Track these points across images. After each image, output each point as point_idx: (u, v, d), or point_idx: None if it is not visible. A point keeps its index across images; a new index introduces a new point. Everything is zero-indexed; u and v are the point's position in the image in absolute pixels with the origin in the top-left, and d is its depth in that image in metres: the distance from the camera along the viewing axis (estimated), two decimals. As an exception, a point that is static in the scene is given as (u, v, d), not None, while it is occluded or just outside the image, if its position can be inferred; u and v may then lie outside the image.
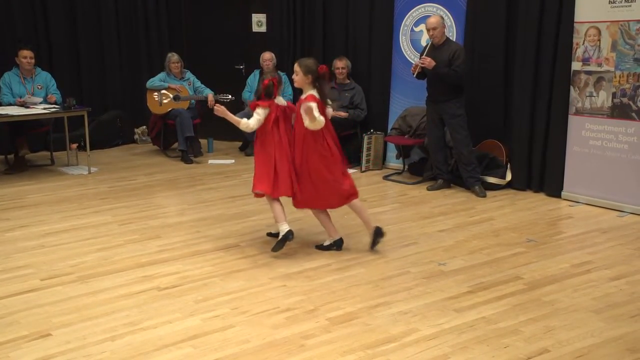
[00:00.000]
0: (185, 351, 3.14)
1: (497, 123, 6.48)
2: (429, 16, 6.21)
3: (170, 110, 7.69)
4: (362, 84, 7.45)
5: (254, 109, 4.43)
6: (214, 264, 4.31)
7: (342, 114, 7.18)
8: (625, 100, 5.44)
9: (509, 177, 6.26)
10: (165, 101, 7.75)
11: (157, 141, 8.20)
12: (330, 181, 4.38)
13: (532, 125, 6.12)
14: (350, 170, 7.03)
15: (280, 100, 4.46)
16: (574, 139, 5.80)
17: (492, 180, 6.24)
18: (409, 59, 6.97)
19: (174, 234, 4.96)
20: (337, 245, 4.57)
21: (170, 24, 9.04)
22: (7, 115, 6.49)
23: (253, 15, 8.63)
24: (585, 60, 5.66)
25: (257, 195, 4.55)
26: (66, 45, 8.31)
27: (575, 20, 5.68)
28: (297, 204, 4.52)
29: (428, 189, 6.30)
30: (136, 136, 8.85)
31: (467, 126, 6.06)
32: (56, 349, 3.16)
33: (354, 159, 7.28)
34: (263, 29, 8.63)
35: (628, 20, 5.35)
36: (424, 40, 6.60)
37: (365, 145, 7.11)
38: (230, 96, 7.53)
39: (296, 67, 4.37)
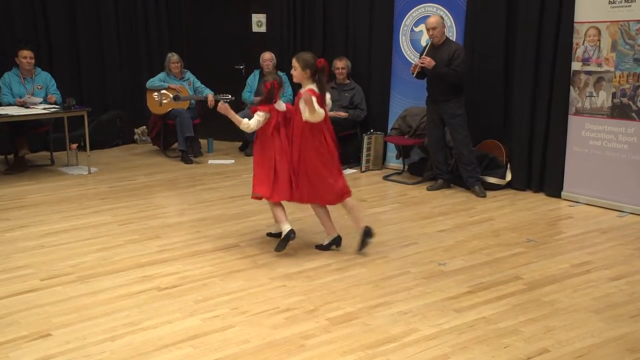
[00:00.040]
0: (185, 351, 3.14)
1: (497, 123, 6.48)
2: (428, 16, 6.21)
3: (170, 111, 7.69)
4: (362, 84, 7.45)
5: (254, 112, 4.45)
6: (214, 264, 4.31)
7: (342, 114, 7.18)
8: (625, 100, 5.44)
9: (508, 177, 6.26)
10: (165, 101, 7.75)
11: (157, 141, 8.20)
12: (326, 177, 4.37)
13: (532, 125, 6.12)
14: (350, 170, 7.15)
15: (281, 105, 4.46)
16: (574, 139, 5.80)
17: (492, 180, 6.24)
18: (408, 59, 6.97)
19: (174, 234, 4.96)
20: (336, 242, 4.56)
21: (170, 24, 9.04)
22: (7, 116, 6.49)
23: (253, 15, 8.63)
24: (585, 61, 5.66)
25: (256, 197, 4.55)
26: (66, 45, 8.31)
27: (575, 20, 5.68)
28: (292, 197, 4.50)
29: (428, 189, 6.30)
30: (136, 136, 8.85)
31: (467, 126, 6.06)
32: (56, 349, 3.16)
33: (354, 159, 7.29)
34: (263, 29, 8.63)
35: (628, 21, 5.35)
36: (424, 40, 6.60)
37: (365, 146, 7.11)
38: (230, 96, 7.53)
39: (294, 62, 4.35)
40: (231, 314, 3.55)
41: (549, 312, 3.58)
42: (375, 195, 6.20)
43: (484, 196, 6.01)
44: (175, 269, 4.22)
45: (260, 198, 4.53)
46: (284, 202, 4.52)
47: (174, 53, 7.94)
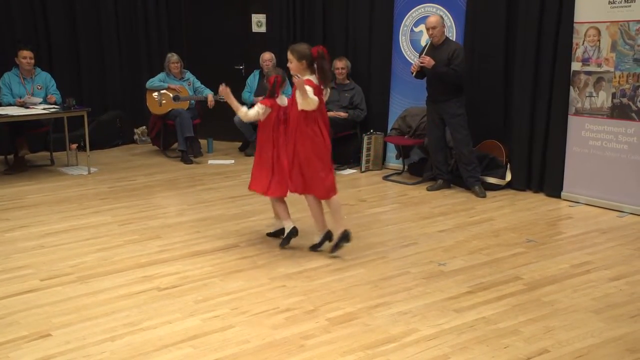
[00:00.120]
0: (185, 351, 3.14)
1: (497, 123, 6.48)
2: (428, 16, 6.21)
3: (170, 111, 7.69)
4: (362, 84, 7.45)
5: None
6: (213, 264, 4.31)
7: (342, 114, 7.18)
8: (625, 100, 5.44)
9: (508, 177, 6.26)
10: (164, 101, 7.75)
11: (157, 141, 8.20)
12: (318, 170, 4.32)
13: (532, 125, 6.12)
14: (350, 171, 7.16)
15: (283, 100, 4.46)
16: (574, 139, 5.80)
17: (492, 180, 6.24)
18: (408, 59, 6.97)
19: (173, 234, 4.96)
20: (328, 237, 4.49)
21: (170, 24, 9.04)
22: (7, 116, 6.49)
23: (253, 15, 8.63)
24: (585, 61, 5.66)
25: (253, 191, 4.61)
26: (66, 46, 8.31)
27: (575, 20, 5.68)
28: (289, 189, 4.49)
29: (428, 189, 6.30)
30: (136, 136, 8.84)
31: (467, 126, 6.06)
32: (56, 349, 3.16)
33: (353, 159, 7.29)
34: (263, 29, 8.63)
35: (628, 21, 5.35)
36: (424, 40, 6.60)
37: (365, 146, 7.11)
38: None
39: (289, 54, 4.30)
40: (231, 314, 3.55)
41: (548, 312, 3.58)
42: (375, 195, 6.20)
43: (484, 196, 6.01)
44: (175, 269, 4.22)
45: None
46: (286, 201, 4.53)
47: (173, 53, 7.94)
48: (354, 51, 7.64)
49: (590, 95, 5.66)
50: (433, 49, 6.00)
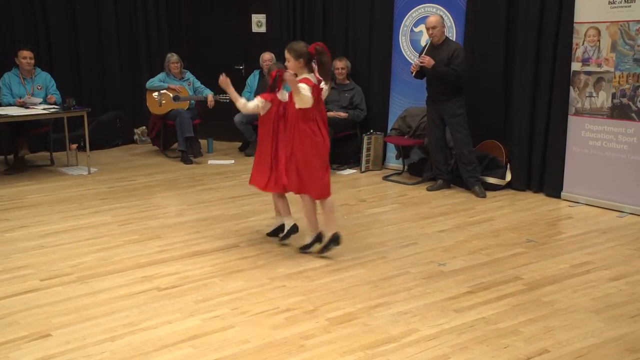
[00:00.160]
0: (185, 351, 3.14)
1: (497, 123, 6.48)
2: (428, 16, 6.21)
3: (170, 111, 7.69)
4: (362, 84, 7.45)
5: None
6: (213, 265, 4.31)
7: (342, 114, 7.18)
8: (625, 100, 5.44)
9: (508, 177, 6.26)
10: (164, 101, 7.75)
11: (157, 141, 8.20)
12: (316, 168, 4.28)
13: (532, 125, 6.12)
14: (350, 171, 7.15)
15: (284, 95, 4.45)
16: (574, 140, 5.80)
17: (491, 180, 6.24)
18: (408, 59, 6.97)
19: (173, 234, 4.96)
20: (319, 239, 4.47)
21: (170, 24, 9.04)
22: (6, 116, 6.49)
23: (253, 15, 8.63)
24: (585, 61, 5.66)
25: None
26: (66, 46, 8.31)
27: (575, 20, 5.68)
28: (286, 188, 4.49)
29: (428, 190, 6.30)
30: (136, 136, 8.84)
31: (467, 125, 6.06)
32: (56, 349, 3.16)
33: (353, 160, 7.29)
34: (263, 29, 8.63)
35: (628, 21, 5.35)
36: (424, 40, 6.60)
37: (365, 146, 7.11)
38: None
39: (286, 53, 4.26)
40: (231, 314, 3.55)
41: (548, 312, 3.58)
42: (375, 195, 6.20)
43: (484, 196, 6.01)
44: (175, 269, 4.22)
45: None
46: (289, 200, 4.55)
47: (173, 53, 7.94)
48: (354, 51, 7.64)
49: (590, 96, 5.66)
50: (433, 49, 6.00)
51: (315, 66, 4.29)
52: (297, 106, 4.22)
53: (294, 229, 4.60)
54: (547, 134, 6.03)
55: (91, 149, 7.28)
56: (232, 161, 7.70)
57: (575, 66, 5.73)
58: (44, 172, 7.10)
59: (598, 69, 5.58)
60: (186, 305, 3.66)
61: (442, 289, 3.90)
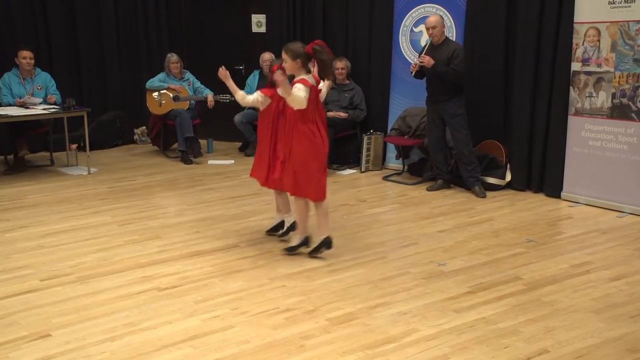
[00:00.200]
0: (185, 352, 3.14)
1: (497, 123, 6.48)
2: (428, 16, 6.21)
3: (169, 111, 7.69)
4: (362, 84, 7.45)
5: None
6: (213, 265, 4.31)
7: (342, 114, 7.18)
8: (624, 100, 5.44)
9: (508, 177, 6.26)
10: (164, 101, 7.75)
11: (157, 142, 8.20)
12: (314, 170, 4.25)
13: (532, 125, 6.12)
14: (350, 171, 7.15)
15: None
16: (574, 140, 5.80)
17: (491, 180, 6.24)
18: (408, 59, 6.97)
19: (173, 234, 4.96)
20: (306, 243, 4.44)
21: (170, 24, 9.04)
22: (6, 116, 6.49)
23: (253, 15, 8.63)
24: (585, 61, 5.66)
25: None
26: (66, 46, 8.31)
27: (575, 20, 5.68)
28: (282, 186, 4.48)
29: (428, 190, 6.30)
30: (136, 137, 8.84)
31: (467, 125, 6.06)
32: (56, 349, 3.16)
33: (353, 160, 7.29)
34: (263, 29, 8.63)
35: (628, 21, 5.35)
36: (424, 40, 6.60)
37: (365, 146, 7.11)
38: (230, 96, 7.52)
39: (283, 54, 4.22)
40: (231, 314, 3.55)
41: (548, 312, 3.58)
42: (375, 195, 6.20)
43: (484, 196, 6.01)
44: (175, 270, 4.22)
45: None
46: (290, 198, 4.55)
47: (173, 53, 7.94)
48: (354, 51, 7.64)
49: (590, 96, 5.66)
50: (433, 49, 6.00)
51: (313, 67, 4.26)
52: (296, 108, 4.19)
53: (294, 226, 4.61)
54: (547, 134, 6.03)
55: (91, 149, 7.28)
56: (232, 161, 7.70)
57: (575, 66, 5.73)
58: (44, 172, 7.10)
59: (598, 69, 5.58)
60: (186, 306, 3.66)
61: (442, 289, 3.90)
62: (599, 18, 5.52)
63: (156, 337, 3.28)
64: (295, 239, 4.49)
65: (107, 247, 4.65)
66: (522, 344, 3.21)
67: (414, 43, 6.97)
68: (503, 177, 6.25)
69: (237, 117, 7.82)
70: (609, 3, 5.44)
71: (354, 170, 7.19)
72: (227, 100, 7.47)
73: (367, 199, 6.02)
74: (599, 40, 5.54)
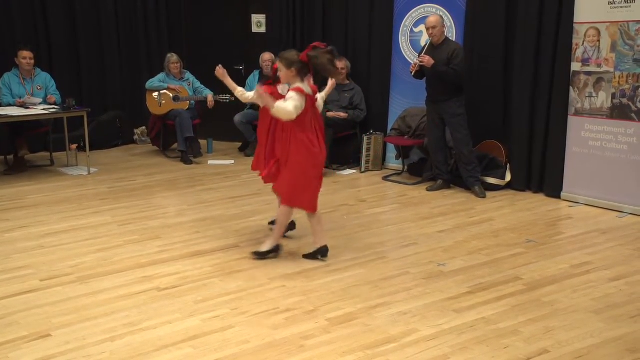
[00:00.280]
0: (185, 352, 3.14)
1: (497, 123, 6.48)
2: (428, 16, 6.21)
3: (169, 111, 7.69)
4: (362, 84, 7.45)
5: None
6: (213, 265, 4.31)
7: (342, 114, 7.18)
8: (624, 101, 5.45)
9: (508, 177, 6.27)
10: (164, 102, 7.75)
11: (157, 142, 8.20)
12: (312, 178, 4.22)
13: (532, 125, 6.12)
14: (350, 171, 7.15)
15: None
16: (574, 140, 5.80)
17: (491, 180, 6.24)
18: (408, 59, 6.97)
19: (173, 234, 4.96)
20: (276, 251, 4.40)
21: (170, 24, 9.04)
22: (6, 116, 6.49)
23: (253, 15, 8.63)
24: (585, 61, 5.66)
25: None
26: (66, 46, 8.31)
27: (575, 20, 5.68)
28: (269, 181, 4.48)
29: (428, 190, 6.30)
30: (136, 137, 8.84)
31: (467, 125, 6.06)
32: (56, 349, 3.16)
33: (353, 160, 7.29)
34: (263, 29, 8.63)
35: (628, 21, 5.35)
36: (424, 40, 6.60)
37: (364, 146, 7.11)
38: (230, 96, 7.52)
39: (277, 63, 4.18)
40: (231, 315, 3.55)
41: (548, 312, 3.58)
42: (375, 195, 6.20)
43: (484, 197, 6.01)
44: (175, 270, 4.22)
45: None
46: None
47: (173, 53, 7.94)
48: (354, 51, 7.63)
49: (590, 96, 5.66)
50: (433, 49, 6.00)
51: (310, 77, 4.19)
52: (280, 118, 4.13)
53: (292, 225, 4.62)
54: (547, 134, 6.03)
55: (91, 149, 7.28)
56: (232, 161, 7.70)
57: (575, 66, 5.73)
58: (44, 173, 7.10)
59: (598, 69, 5.58)
60: (186, 306, 3.66)
61: (442, 289, 3.90)
62: (599, 18, 5.52)
63: (156, 337, 3.28)
64: (266, 245, 4.42)
65: (107, 247, 4.65)
66: (522, 344, 3.21)
67: (414, 43, 6.97)
68: (503, 177, 6.25)
69: (237, 117, 7.82)
70: (609, 3, 5.45)
71: (354, 171, 7.19)
72: (227, 101, 7.46)
73: (367, 199, 6.02)
74: (599, 41, 5.54)
